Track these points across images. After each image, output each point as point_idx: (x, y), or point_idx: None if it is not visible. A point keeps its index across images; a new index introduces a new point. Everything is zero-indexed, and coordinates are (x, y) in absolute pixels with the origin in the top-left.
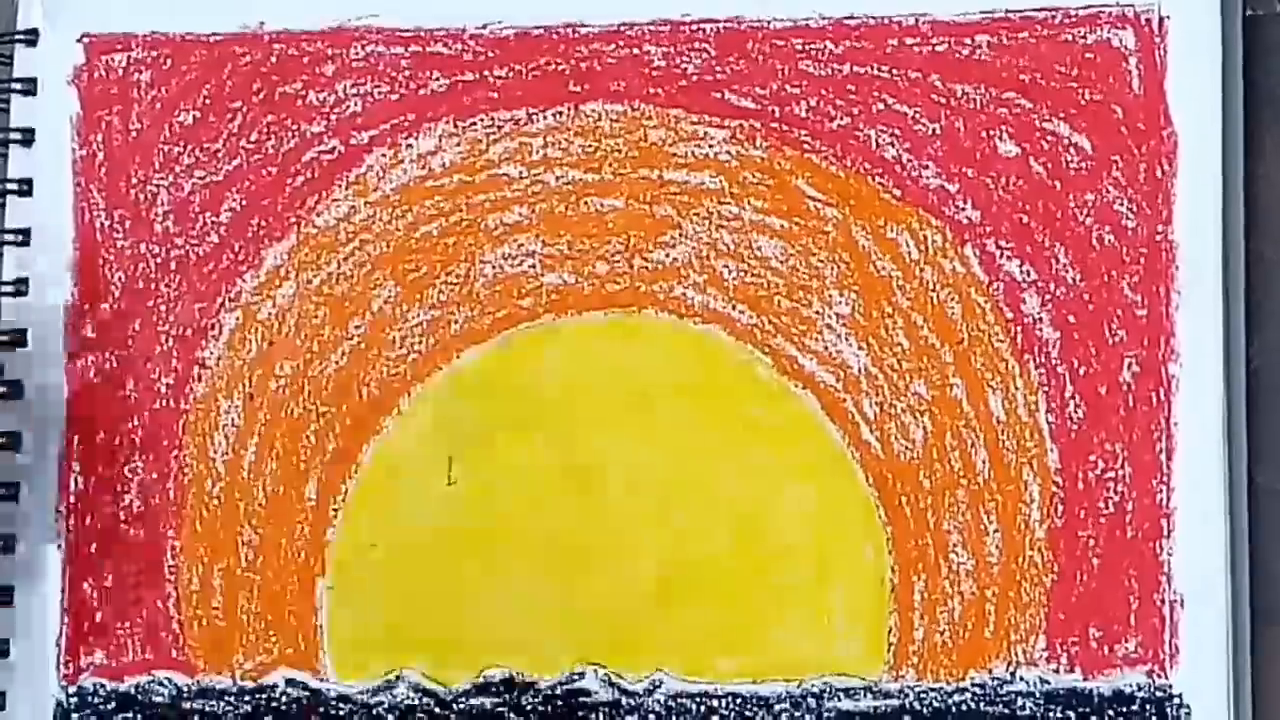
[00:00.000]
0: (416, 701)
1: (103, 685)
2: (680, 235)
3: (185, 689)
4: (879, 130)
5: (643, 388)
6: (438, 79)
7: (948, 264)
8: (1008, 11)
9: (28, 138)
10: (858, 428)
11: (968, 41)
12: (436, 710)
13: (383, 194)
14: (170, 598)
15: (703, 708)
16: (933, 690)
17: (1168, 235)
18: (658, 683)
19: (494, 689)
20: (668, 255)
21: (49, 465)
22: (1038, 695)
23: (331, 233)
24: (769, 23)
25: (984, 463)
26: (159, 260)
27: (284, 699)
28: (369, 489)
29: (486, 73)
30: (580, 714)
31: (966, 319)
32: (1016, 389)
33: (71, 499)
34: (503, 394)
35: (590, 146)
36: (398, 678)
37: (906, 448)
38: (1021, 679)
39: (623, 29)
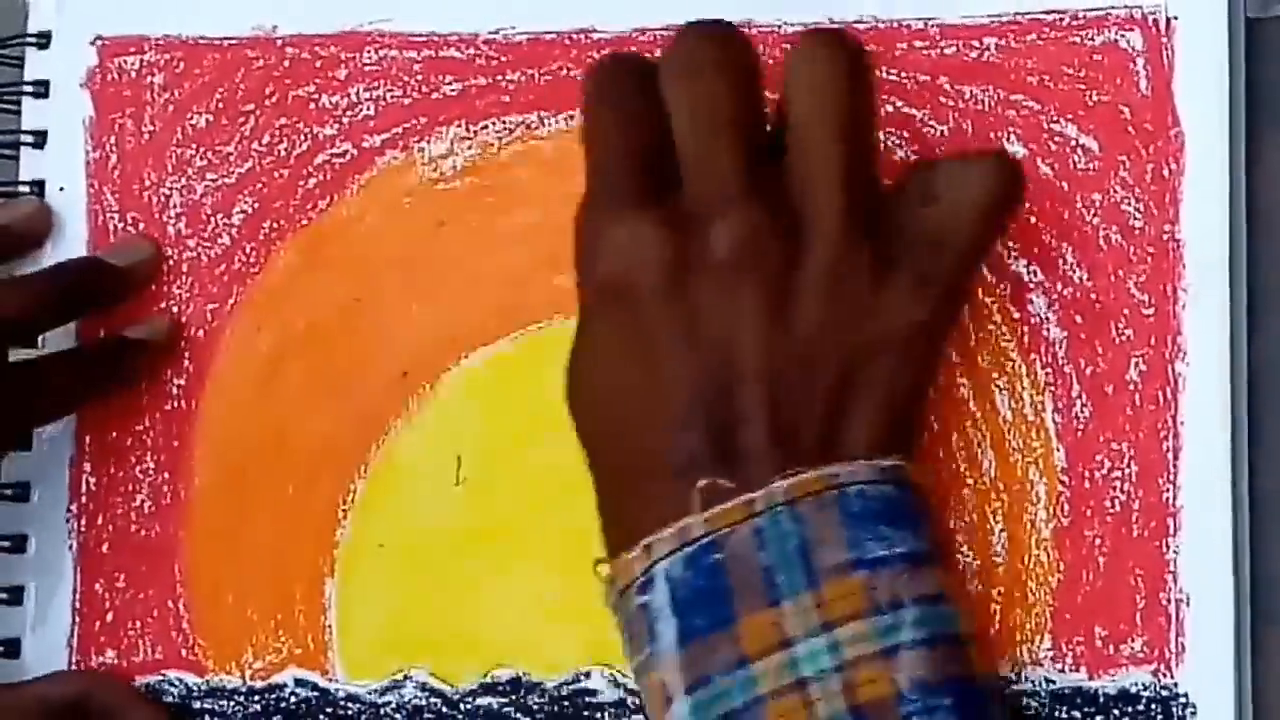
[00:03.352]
0: (424, 701)
1: None
2: None
3: (195, 688)
4: (888, 132)
5: None
6: (450, 83)
7: None
8: (1016, 14)
9: (40, 140)
10: None
11: (976, 44)
12: (444, 710)
13: (394, 197)
14: (180, 598)
15: None
16: None
17: (1174, 234)
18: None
19: (501, 689)
20: None
21: (61, 465)
22: (1043, 694)
23: (343, 235)
24: (779, 27)
25: (990, 462)
26: (171, 262)
27: (293, 699)
28: (377, 489)
29: (499, 77)
30: (586, 714)
31: (973, 318)
32: (1023, 388)
33: (83, 499)
34: (511, 394)
35: None
36: (406, 678)
37: None
38: (1027, 678)
39: (634, 34)
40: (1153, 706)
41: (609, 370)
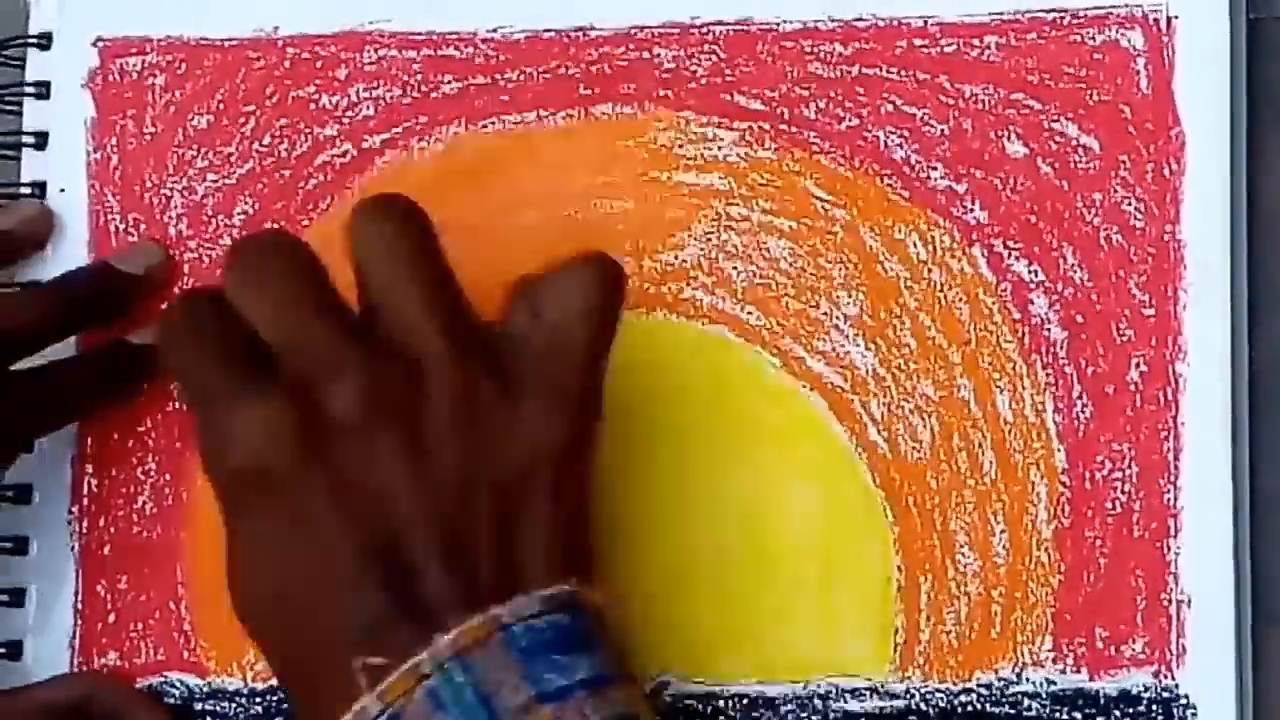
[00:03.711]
0: None
1: None
2: (689, 237)
3: (197, 690)
4: (887, 131)
5: (650, 388)
6: (450, 82)
7: (955, 264)
8: (1016, 13)
9: (41, 141)
10: (865, 428)
11: (976, 43)
12: None
13: None
14: (182, 599)
15: (709, 708)
16: (939, 691)
17: (1175, 234)
18: (664, 683)
19: None
20: (676, 257)
21: (62, 467)
22: (1044, 696)
23: (343, 236)
24: (778, 25)
25: (991, 463)
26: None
27: None
28: None
29: (498, 76)
30: None
31: (974, 319)
32: (1024, 389)
33: (85, 501)
34: None
35: (601, 149)
36: None
37: (914, 448)
38: (1028, 680)
39: (633, 32)
40: (1154, 708)
41: (269, 560)
